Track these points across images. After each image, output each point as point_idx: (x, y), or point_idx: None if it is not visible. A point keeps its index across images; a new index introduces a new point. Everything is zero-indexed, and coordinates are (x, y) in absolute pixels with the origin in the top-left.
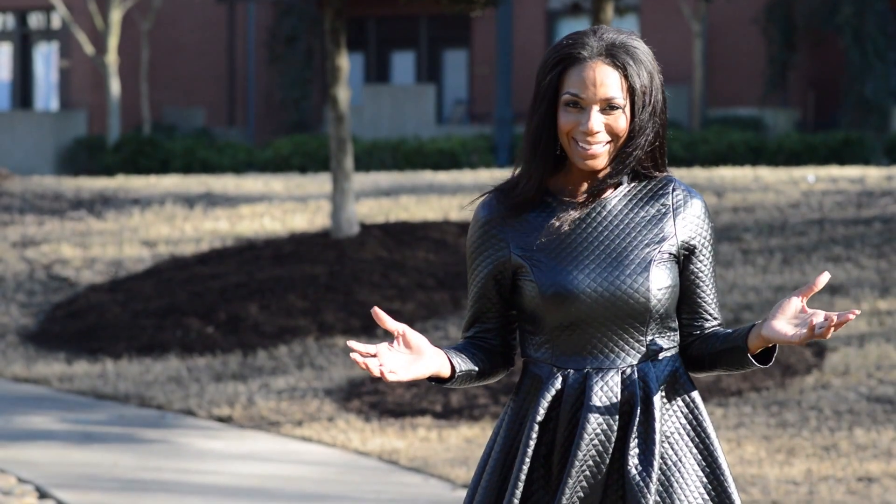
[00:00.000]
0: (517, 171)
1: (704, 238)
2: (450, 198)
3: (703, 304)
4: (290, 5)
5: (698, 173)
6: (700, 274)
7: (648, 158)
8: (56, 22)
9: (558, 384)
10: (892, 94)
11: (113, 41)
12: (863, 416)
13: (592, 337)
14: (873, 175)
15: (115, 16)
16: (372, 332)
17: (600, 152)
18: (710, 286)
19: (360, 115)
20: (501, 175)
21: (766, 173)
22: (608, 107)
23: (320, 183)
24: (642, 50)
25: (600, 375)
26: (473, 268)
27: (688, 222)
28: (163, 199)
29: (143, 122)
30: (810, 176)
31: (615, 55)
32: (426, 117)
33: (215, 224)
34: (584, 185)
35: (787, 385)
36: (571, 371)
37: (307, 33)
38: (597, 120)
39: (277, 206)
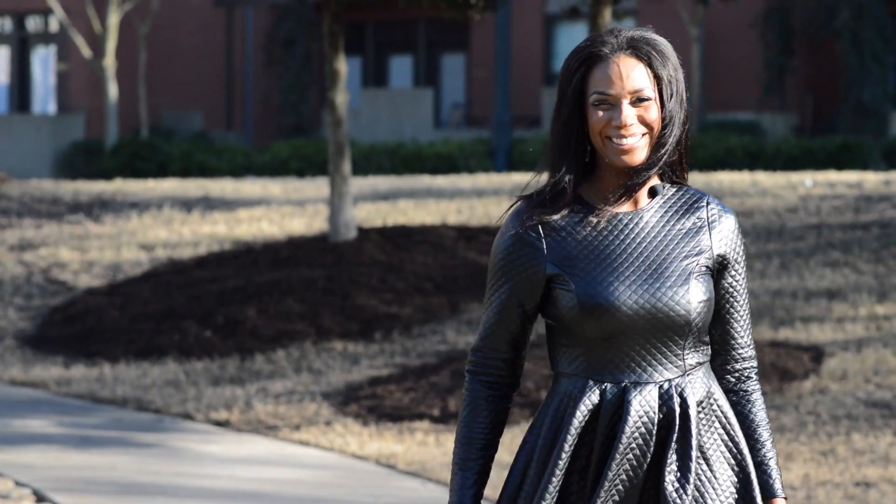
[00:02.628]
0: (548, 178)
1: (737, 255)
2: (447, 202)
3: (735, 324)
4: (287, 9)
5: (696, 178)
6: (733, 292)
7: (677, 159)
8: (54, 25)
9: (595, 397)
10: (891, 99)
11: (111, 44)
12: (860, 421)
13: (630, 350)
14: (871, 180)
15: (113, 19)
16: (370, 336)
17: (637, 145)
18: (743, 307)
19: (358, 119)
20: (499, 179)
21: (764, 178)
22: (637, 99)
23: (318, 187)
24: (662, 42)
25: (638, 389)
26: (500, 276)
27: (723, 237)
28: (161, 202)
29: (141, 126)
30: (808, 181)
31: (637, 47)
32: (424, 121)
33: (213, 228)
34: (622, 192)
35: (784, 390)
36: (608, 385)
37: (305, 37)
38: (629, 112)
39: (275, 210)
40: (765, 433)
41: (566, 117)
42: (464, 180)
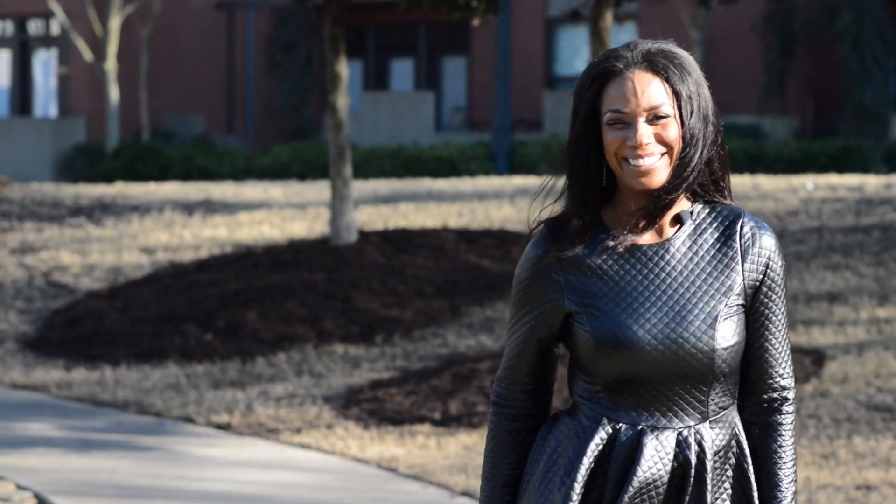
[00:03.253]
0: (566, 203)
1: (772, 279)
2: (448, 205)
3: (770, 354)
4: (289, 12)
5: None
6: (767, 319)
7: (709, 180)
8: (55, 29)
9: (604, 435)
10: (891, 102)
11: (112, 48)
12: (861, 425)
13: (648, 394)
14: (872, 183)
15: (115, 22)
16: (371, 339)
17: (655, 166)
18: (780, 333)
19: (359, 122)
20: (500, 183)
21: (765, 181)
22: (654, 117)
23: (319, 190)
24: (683, 55)
25: (655, 434)
26: (519, 308)
27: (756, 261)
28: (162, 205)
29: (142, 129)
30: (809, 184)
31: (654, 61)
32: (425, 124)
33: (214, 231)
34: (642, 216)
35: None
36: (624, 426)
37: (306, 40)
38: (645, 131)
39: (276, 213)
40: (783, 472)
41: (580, 137)
42: (465, 183)
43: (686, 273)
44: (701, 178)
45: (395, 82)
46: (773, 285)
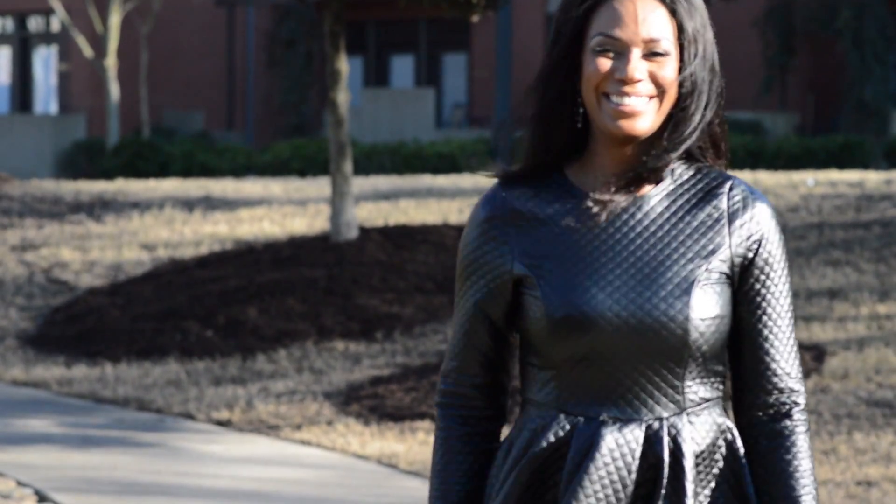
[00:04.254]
0: (526, 150)
1: (770, 253)
2: (449, 201)
3: (769, 345)
4: (289, 9)
5: None
6: (763, 302)
7: (709, 143)
8: (55, 25)
9: (561, 432)
10: (892, 98)
11: (112, 45)
12: (862, 421)
13: (611, 378)
14: (872, 179)
15: (115, 19)
16: (371, 335)
17: (640, 109)
18: (781, 321)
19: (360, 119)
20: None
21: (766, 177)
22: (652, 52)
23: (319, 186)
24: None
25: (618, 426)
26: (464, 280)
27: (748, 231)
28: (162, 202)
29: (143, 126)
30: (810, 180)
31: None
32: (425, 121)
33: (214, 227)
34: (619, 171)
35: None
36: (582, 419)
37: (306, 37)
38: (638, 65)
39: (277, 210)
40: (803, 490)
41: (558, 64)
42: (465, 180)
43: (660, 234)
44: (701, 139)
45: (395, 79)
46: (771, 261)
